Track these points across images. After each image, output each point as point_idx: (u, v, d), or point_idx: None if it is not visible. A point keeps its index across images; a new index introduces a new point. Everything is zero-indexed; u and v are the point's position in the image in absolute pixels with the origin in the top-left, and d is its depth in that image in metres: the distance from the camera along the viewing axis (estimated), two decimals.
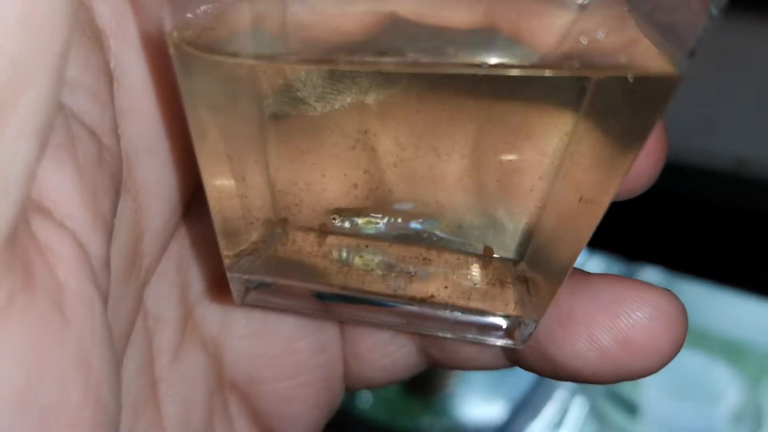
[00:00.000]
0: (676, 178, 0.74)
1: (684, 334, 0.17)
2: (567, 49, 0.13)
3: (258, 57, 0.15)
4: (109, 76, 0.15)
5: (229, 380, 0.20)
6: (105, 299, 0.14)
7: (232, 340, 0.20)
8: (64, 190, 0.13)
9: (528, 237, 0.17)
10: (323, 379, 0.21)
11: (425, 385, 0.69)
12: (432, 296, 0.17)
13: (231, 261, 0.17)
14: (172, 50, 0.14)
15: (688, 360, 0.70)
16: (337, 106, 0.16)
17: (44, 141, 0.11)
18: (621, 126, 0.15)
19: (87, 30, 0.15)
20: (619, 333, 0.17)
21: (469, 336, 0.18)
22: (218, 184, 0.16)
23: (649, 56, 0.14)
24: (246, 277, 0.18)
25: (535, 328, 0.17)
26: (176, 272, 0.20)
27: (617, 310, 0.17)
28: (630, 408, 0.68)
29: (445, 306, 0.18)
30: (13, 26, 0.10)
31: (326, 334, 0.21)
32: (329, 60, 0.15)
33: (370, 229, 0.17)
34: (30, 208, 0.13)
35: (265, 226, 0.18)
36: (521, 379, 0.68)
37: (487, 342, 0.18)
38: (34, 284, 0.12)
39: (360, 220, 0.17)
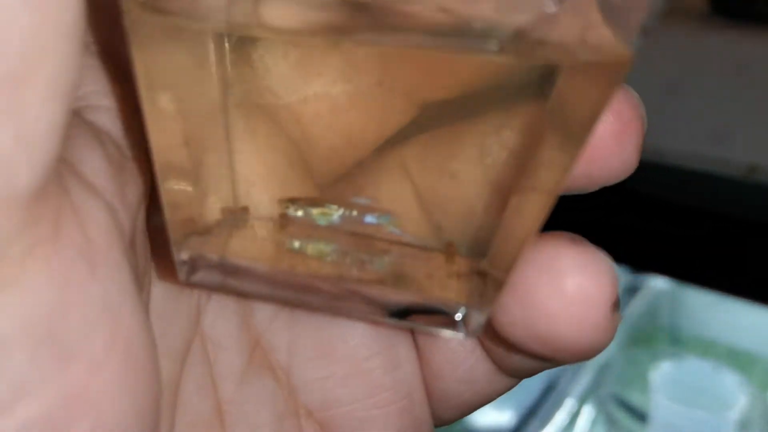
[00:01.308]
0: (688, 185, 0.74)
1: None
2: (530, 37, 0.13)
3: (212, 22, 0.14)
4: (127, 104, 0.16)
5: (303, 406, 0.20)
6: (134, 273, 0.14)
7: (301, 364, 0.20)
8: (96, 165, 0.14)
9: (488, 232, 0.17)
10: (402, 398, 0.20)
11: None
12: (383, 282, 0.17)
13: (178, 238, 0.17)
14: (124, 16, 0.14)
15: (696, 367, 0.70)
16: (303, 96, 0.16)
17: (68, 103, 0.11)
18: (574, 112, 0.15)
19: (107, 66, 0.16)
20: None
21: (421, 325, 0.18)
22: (171, 166, 0.16)
23: (604, 38, 0.13)
24: (193, 255, 0.17)
25: (485, 319, 0.17)
26: (236, 302, 0.20)
27: None
28: (639, 415, 0.68)
29: (396, 293, 0.17)
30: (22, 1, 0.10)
31: (398, 351, 0.20)
32: (301, 33, 0.14)
33: (324, 220, 0.17)
34: (65, 171, 0.13)
35: (222, 213, 0.17)
36: (531, 386, 0.69)
37: (438, 333, 0.18)
38: (61, 236, 0.12)
39: (314, 210, 0.17)
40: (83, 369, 0.12)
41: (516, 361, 0.19)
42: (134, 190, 0.16)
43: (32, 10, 0.10)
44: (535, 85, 0.15)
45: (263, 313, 0.20)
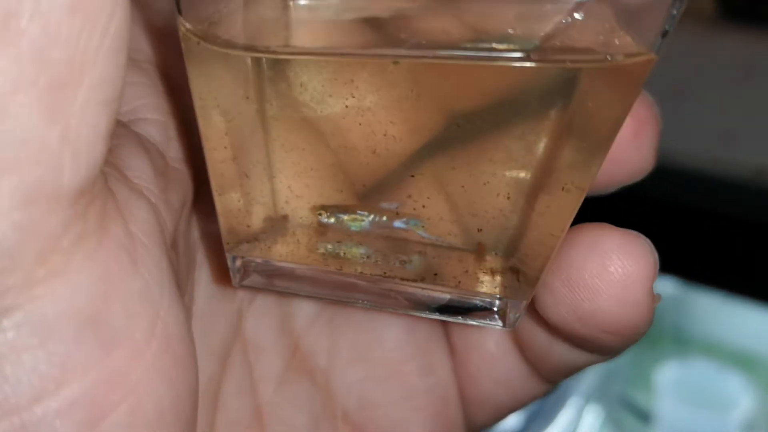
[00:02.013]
0: (695, 188, 0.74)
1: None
2: (555, 43, 0.14)
3: (251, 48, 0.15)
4: (175, 118, 0.18)
5: (340, 409, 0.21)
6: (175, 271, 0.15)
7: (340, 367, 0.21)
8: (140, 170, 0.15)
9: (519, 232, 0.17)
10: (437, 401, 0.21)
11: None
12: (423, 279, 0.18)
13: (230, 245, 0.18)
14: (182, 43, 0.15)
15: (701, 368, 0.70)
16: (336, 110, 0.16)
17: (112, 111, 0.12)
18: (599, 115, 0.15)
19: (158, 83, 0.18)
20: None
21: (460, 318, 0.18)
22: (224, 179, 0.17)
23: (625, 43, 0.14)
24: (244, 258, 0.19)
25: (523, 310, 0.18)
26: (277, 306, 0.21)
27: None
28: (644, 416, 0.68)
29: (435, 288, 0.18)
30: (65, 8, 0.11)
31: (433, 355, 0.21)
32: (325, 53, 0.15)
33: (356, 226, 0.18)
34: (111, 174, 0.14)
35: (265, 222, 0.18)
36: None
37: (478, 324, 0.19)
38: (106, 232, 0.13)
39: (346, 217, 0.18)
40: (124, 355, 0.13)
41: (555, 356, 0.19)
42: (178, 195, 0.17)
43: (80, 19, 0.11)
44: (559, 91, 0.15)
45: (303, 318, 0.21)
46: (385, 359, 0.21)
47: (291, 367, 0.21)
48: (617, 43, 0.14)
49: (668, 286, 0.71)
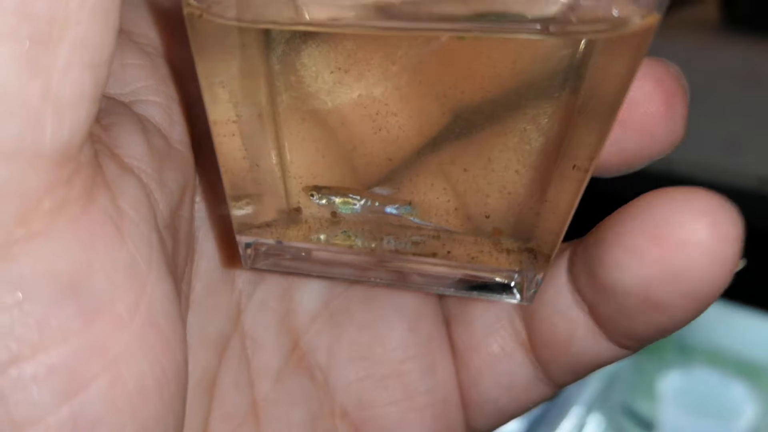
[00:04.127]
0: None
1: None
2: (560, 13, 0.14)
3: (256, 21, 0.15)
4: (178, 103, 0.17)
5: (339, 407, 0.21)
6: (166, 252, 0.15)
7: (340, 365, 0.21)
8: (134, 149, 0.15)
9: (531, 214, 0.17)
10: (437, 403, 0.21)
11: None
12: (435, 254, 0.18)
13: (240, 230, 0.18)
14: (186, 20, 0.15)
15: (704, 377, 0.70)
16: (347, 100, 0.16)
17: (99, 75, 0.12)
18: (610, 85, 0.15)
19: (161, 67, 0.17)
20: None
21: (475, 293, 0.18)
22: (232, 166, 0.17)
23: (628, 10, 0.14)
24: (255, 240, 0.18)
25: (539, 286, 0.18)
26: (277, 301, 0.21)
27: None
28: (646, 424, 0.68)
29: (450, 263, 0.18)
30: None
31: (435, 356, 0.21)
32: (339, 25, 0.15)
33: (347, 209, 0.18)
34: (102, 151, 0.14)
35: (278, 213, 0.18)
36: None
37: (494, 299, 0.18)
38: (92, 202, 0.13)
39: (337, 199, 0.18)
40: (106, 326, 0.13)
41: (572, 351, 0.19)
42: (176, 177, 0.16)
43: None
44: (571, 67, 0.15)
45: (304, 315, 0.21)
46: (386, 358, 0.21)
47: (290, 363, 0.20)
48: (620, 13, 0.14)
49: None
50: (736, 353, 0.72)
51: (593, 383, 0.70)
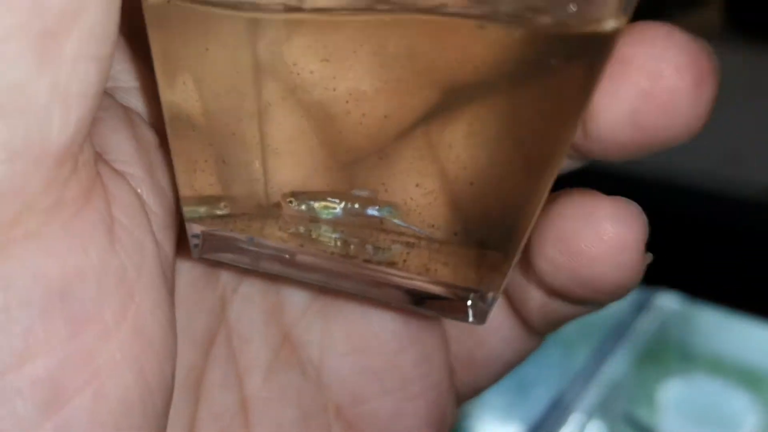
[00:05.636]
0: (702, 205, 0.74)
1: None
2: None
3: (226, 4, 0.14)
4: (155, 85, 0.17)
5: (333, 404, 0.20)
6: (161, 254, 0.15)
7: (333, 360, 0.20)
8: (124, 151, 0.15)
9: (495, 219, 0.17)
10: (430, 389, 0.21)
11: None
12: (393, 263, 0.17)
13: (191, 213, 0.17)
14: (146, 6, 0.14)
15: (705, 386, 0.69)
16: (332, 95, 0.16)
17: (103, 68, 0.12)
18: (571, 82, 0.15)
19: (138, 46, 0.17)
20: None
21: (428, 310, 0.18)
22: (188, 152, 0.16)
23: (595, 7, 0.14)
24: (207, 230, 0.18)
25: (494, 303, 0.18)
26: (263, 297, 0.20)
27: None
28: None
29: (405, 275, 0.17)
30: None
31: (427, 343, 0.21)
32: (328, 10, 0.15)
33: (327, 214, 0.17)
34: (96, 156, 0.14)
35: (257, 209, 0.18)
36: (537, 401, 0.68)
37: (446, 316, 0.19)
38: (88, 206, 0.13)
39: (316, 204, 0.17)
40: (91, 336, 0.12)
41: (549, 311, 0.20)
42: (167, 170, 0.16)
43: None
44: (532, 63, 0.15)
45: (294, 308, 0.20)
46: (380, 350, 0.20)
47: (279, 358, 0.20)
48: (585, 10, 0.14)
49: (674, 302, 0.70)
50: (739, 362, 0.72)
51: (593, 391, 0.70)
